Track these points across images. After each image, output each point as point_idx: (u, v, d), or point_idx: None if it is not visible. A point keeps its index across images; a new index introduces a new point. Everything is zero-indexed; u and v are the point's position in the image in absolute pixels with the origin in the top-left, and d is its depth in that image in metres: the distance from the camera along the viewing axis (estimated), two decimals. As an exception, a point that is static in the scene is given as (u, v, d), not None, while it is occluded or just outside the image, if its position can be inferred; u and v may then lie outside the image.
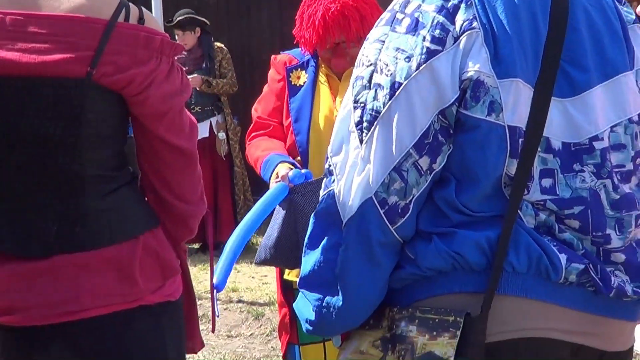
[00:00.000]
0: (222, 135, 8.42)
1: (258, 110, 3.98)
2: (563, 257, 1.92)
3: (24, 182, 2.17)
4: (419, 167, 1.91)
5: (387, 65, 1.92)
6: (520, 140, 1.91)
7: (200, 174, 2.42)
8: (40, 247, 2.17)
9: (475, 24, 1.90)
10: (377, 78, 1.93)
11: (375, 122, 1.91)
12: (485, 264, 1.91)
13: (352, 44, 3.71)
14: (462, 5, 1.91)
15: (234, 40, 9.82)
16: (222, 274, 3.21)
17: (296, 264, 3.61)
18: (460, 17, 1.90)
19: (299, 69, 3.86)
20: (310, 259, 2.02)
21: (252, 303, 7.15)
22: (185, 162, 2.33)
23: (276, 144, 3.83)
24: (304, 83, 3.83)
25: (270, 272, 7.80)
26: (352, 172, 1.94)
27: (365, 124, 1.93)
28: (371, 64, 1.95)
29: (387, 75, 1.91)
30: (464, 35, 1.89)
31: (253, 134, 3.94)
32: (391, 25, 1.96)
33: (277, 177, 3.60)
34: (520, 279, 1.92)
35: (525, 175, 1.91)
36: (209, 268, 2.77)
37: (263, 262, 3.74)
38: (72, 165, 2.16)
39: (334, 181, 1.99)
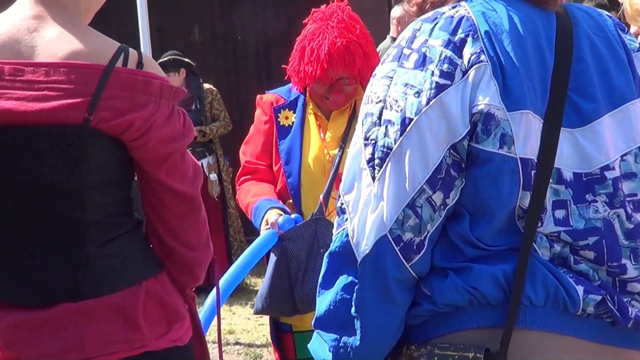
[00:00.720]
0: (213, 176, 8.39)
1: (246, 153, 3.96)
2: (580, 289, 1.90)
3: (25, 231, 2.16)
4: (433, 202, 1.90)
5: (396, 101, 1.91)
6: (533, 172, 1.90)
7: (206, 219, 2.39)
8: (44, 295, 2.16)
9: (483, 57, 1.89)
10: (387, 114, 1.92)
11: (387, 159, 1.90)
12: (502, 297, 1.90)
13: (353, 80, 3.72)
14: (469, 39, 1.91)
15: (221, 80, 9.82)
16: (223, 291, 3.21)
17: (292, 311, 3.61)
18: (468, 51, 1.90)
19: (287, 109, 3.86)
20: (325, 299, 2.00)
21: (250, 345, 7.10)
22: (189, 208, 2.31)
23: (265, 188, 3.82)
24: (293, 123, 3.83)
25: (266, 313, 7.78)
26: (366, 210, 1.93)
27: (377, 161, 1.92)
28: (380, 101, 1.94)
29: (397, 111, 1.90)
30: (472, 68, 1.89)
31: (242, 178, 3.92)
32: (399, 61, 1.96)
33: (267, 224, 3.59)
34: (538, 312, 1.90)
35: (539, 207, 1.91)
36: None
37: (260, 312, 3.76)
38: (73, 212, 2.15)
39: (346, 219, 1.97)
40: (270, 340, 6.85)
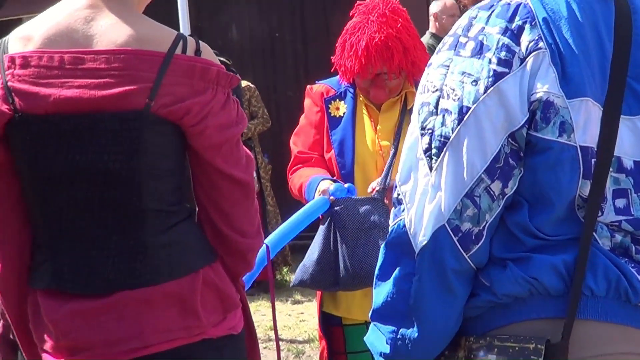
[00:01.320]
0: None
1: (298, 144, 3.94)
2: None
3: (83, 219, 2.17)
4: (491, 192, 1.87)
5: (453, 90, 1.89)
6: (593, 160, 1.87)
7: (257, 207, 2.40)
8: (102, 283, 2.17)
9: (541, 44, 1.87)
10: (444, 103, 1.90)
11: (445, 148, 1.88)
12: (563, 288, 1.87)
13: (392, 76, 3.69)
14: (527, 26, 1.88)
15: (259, 78, 9.83)
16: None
17: (332, 284, 3.58)
18: (526, 38, 1.87)
19: (337, 100, 3.83)
20: (382, 291, 1.98)
21: (292, 341, 7.10)
22: (243, 194, 2.32)
23: (319, 170, 3.80)
24: (344, 114, 3.80)
25: (307, 309, 7.77)
26: (423, 200, 1.90)
27: (434, 151, 1.89)
28: (437, 90, 1.92)
29: (454, 100, 1.88)
30: (530, 56, 1.86)
31: (294, 168, 3.90)
32: (455, 50, 1.93)
33: (320, 193, 3.58)
34: (600, 303, 1.87)
35: (599, 196, 1.88)
36: (270, 305, 2.75)
37: (300, 284, 3.71)
38: (131, 199, 2.16)
39: (403, 210, 1.95)
40: (311, 336, 6.92)
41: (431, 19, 8.05)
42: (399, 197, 1.97)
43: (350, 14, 3.84)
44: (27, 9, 11.92)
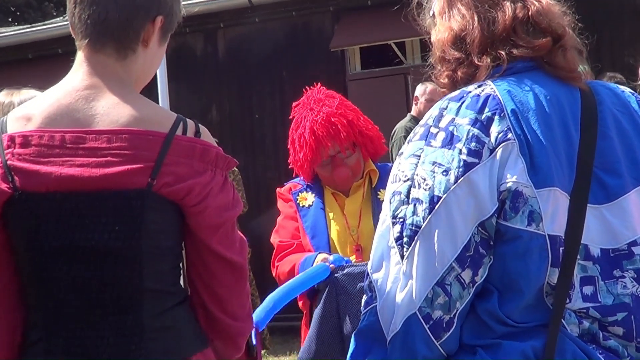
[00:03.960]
0: (232, 255, 8.35)
1: (277, 236, 3.98)
2: None
3: (80, 298, 2.15)
4: (462, 280, 1.90)
5: (424, 179, 1.93)
6: (561, 248, 1.91)
7: (249, 291, 2.40)
8: None
9: (510, 135, 1.91)
10: (415, 193, 1.94)
11: (416, 237, 1.91)
12: None
13: (347, 152, 3.82)
14: (496, 117, 1.94)
15: (239, 159, 9.85)
16: (262, 314, 3.18)
17: (340, 352, 3.54)
18: (495, 129, 1.92)
19: (305, 192, 3.95)
20: (354, 378, 2.00)
21: None
22: (237, 278, 2.31)
23: (306, 254, 3.81)
24: (313, 202, 3.91)
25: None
26: (395, 288, 1.93)
27: (405, 239, 1.93)
28: (408, 179, 1.96)
29: (425, 190, 1.92)
30: (499, 146, 1.91)
31: (279, 256, 3.91)
32: (426, 140, 1.98)
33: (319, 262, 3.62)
34: None
35: (567, 283, 1.91)
36: None
37: None
38: (131, 279, 2.15)
39: (375, 298, 1.97)
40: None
41: (414, 101, 8.16)
42: (371, 284, 1.99)
43: (290, 118, 3.98)
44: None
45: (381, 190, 3.81)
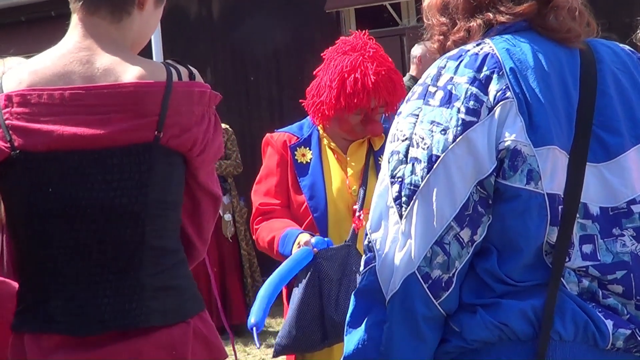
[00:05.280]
0: (228, 216, 8.37)
1: (259, 193, 3.90)
2: (609, 323, 1.90)
3: (80, 258, 2.14)
4: (461, 239, 1.90)
5: (422, 138, 1.92)
6: (560, 207, 1.90)
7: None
8: (95, 325, 2.14)
9: (508, 93, 1.90)
10: (413, 152, 1.93)
11: (415, 196, 1.91)
12: (532, 333, 1.89)
13: (380, 110, 3.76)
14: (494, 76, 1.92)
15: (234, 122, 9.86)
16: (260, 313, 3.20)
17: (321, 340, 3.53)
18: (493, 88, 1.91)
19: (302, 146, 3.84)
20: (353, 338, 2.00)
21: (268, 387, 7.05)
22: (215, 207, 2.38)
23: (287, 222, 3.78)
24: (311, 159, 3.81)
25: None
26: (393, 248, 1.93)
27: (404, 199, 1.92)
28: (406, 138, 1.95)
29: (423, 149, 1.91)
30: (498, 105, 1.90)
31: (257, 219, 3.86)
32: (424, 99, 1.97)
33: (299, 246, 3.57)
34: (568, 347, 1.90)
35: (566, 242, 1.91)
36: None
37: (282, 352, 3.64)
38: (133, 236, 2.15)
39: (374, 257, 1.97)
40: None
41: (414, 61, 8.10)
42: (370, 244, 1.99)
43: (324, 55, 3.86)
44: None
45: (381, 156, 3.66)
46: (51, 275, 2.16)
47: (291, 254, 3.59)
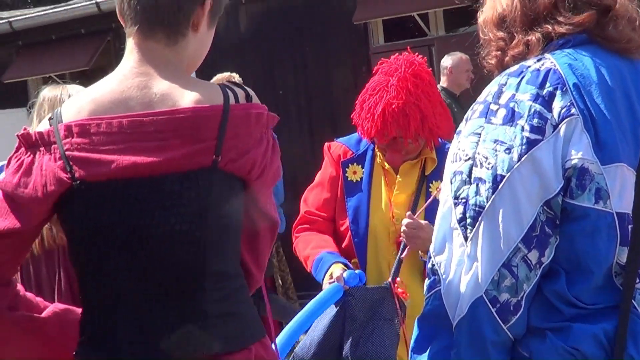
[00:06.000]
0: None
1: (307, 202, 3.89)
2: None
3: (143, 286, 2.11)
4: (529, 261, 1.85)
5: (486, 158, 1.87)
6: (630, 226, 1.85)
7: None
8: (160, 353, 2.10)
9: (573, 110, 1.85)
10: (477, 172, 1.88)
11: (480, 218, 1.86)
12: (604, 357, 1.84)
13: (409, 141, 3.64)
14: (558, 92, 1.87)
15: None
16: (285, 341, 3.20)
17: None
18: (558, 104, 1.86)
19: (355, 163, 3.78)
20: (419, 364, 1.95)
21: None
22: (273, 233, 2.35)
23: (327, 240, 3.75)
24: (361, 178, 3.75)
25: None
26: (459, 271, 1.88)
27: (468, 220, 1.87)
28: (469, 158, 1.90)
29: (487, 169, 1.86)
30: (563, 122, 1.85)
31: (299, 227, 3.86)
32: (486, 117, 1.92)
33: (331, 277, 3.53)
34: None
35: (637, 263, 1.86)
36: None
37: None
38: (195, 262, 2.11)
39: (438, 281, 1.92)
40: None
41: (444, 72, 8.06)
42: (434, 267, 1.94)
43: (373, 71, 3.80)
44: (31, 72, 12.03)
45: (434, 181, 3.66)
46: (115, 305, 2.13)
47: (322, 281, 3.57)
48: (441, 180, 3.54)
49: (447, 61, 8.04)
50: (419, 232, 3.51)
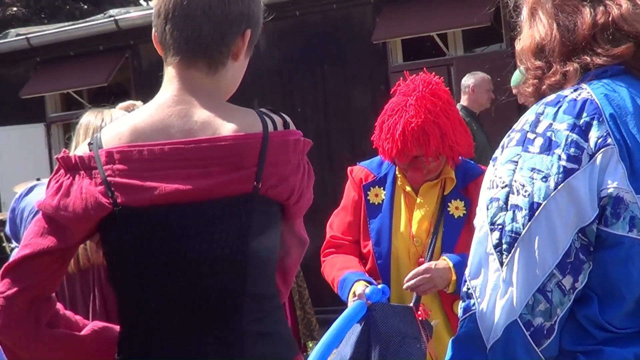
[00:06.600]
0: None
1: (333, 226, 3.96)
2: None
3: (184, 309, 2.15)
4: (563, 286, 1.89)
5: (523, 185, 1.92)
6: None
7: None
8: None
9: (609, 140, 1.90)
10: (513, 199, 1.93)
11: (516, 244, 1.90)
12: None
13: (430, 159, 3.69)
14: (595, 122, 1.92)
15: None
16: None
17: None
18: (594, 134, 1.91)
19: (377, 186, 3.84)
20: (453, 386, 1.99)
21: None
22: (301, 252, 2.41)
23: (351, 261, 3.80)
24: (382, 201, 3.80)
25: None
26: (494, 295, 1.92)
27: (504, 246, 1.92)
28: (506, 185, 1.95)
29: (524, 196, 1.91)
30: (599, 152, 1.89)
31: (326, 251, 3.92)
32: (523, 145, 1.96)
33: (355, 295, 3.57)
34: None
35: None
36: None
37: None
38: (235, 285, 2.16)
39: (474, 304, 1.96)
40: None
41: (466, 91, 8.11)
42: (469, 291, 1.98)
43: (391, 92, 3.86)
44: (48, 88, 12.11)
45: (453, 201, 3.72)
46: (154, 326, 2.17)
47: (347, 300, 3.62)
48: (459, 200, 3.64)
49: (469, 80, 8.10)
50: (431, 281, 3.57)
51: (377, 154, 3.88)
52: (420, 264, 3.67)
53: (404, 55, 10.41)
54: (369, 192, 3.84)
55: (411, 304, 3.60)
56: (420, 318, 3.56)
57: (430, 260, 3.65)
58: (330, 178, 9.45)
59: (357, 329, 3.58)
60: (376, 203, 3.82)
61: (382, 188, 3.84)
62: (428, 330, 3.56)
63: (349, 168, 3.99)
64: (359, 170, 3.93)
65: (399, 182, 3.84)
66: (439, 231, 3.67)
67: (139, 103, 7.87)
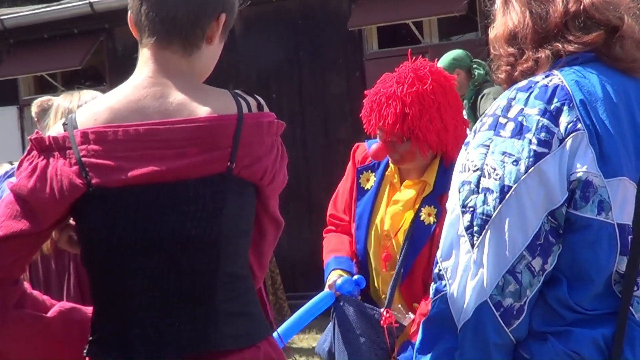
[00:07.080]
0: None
1: (332, 204, 3.98)
2: None
3: (157, 288, 2.17)
4: (532, 268, 1.93)
5: (494, 169, 1.95)
6: (629, 237, 1.93)
7: None
8: (173, 350, 2.17)
9: (579, 125, 1.94)
10: (485, 182, 1.96)
11: (487, 226, 1.94)
12: None
13: (392, 138, 3.57)
14: (565, 108, 1.96)
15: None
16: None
17: None
18: (564, 119, 1.95)
19: (369, 170, 3.81)
20: (423, 365, 2.03)
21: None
22: (276, 234, 2.40)
23: (343, 243, 3.82)
24: (371, 187, 3.77)
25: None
26: (465, 276, 1.96)
27: (475, 228, 1.95)
28: (478, 169, 1.98)
29: (495, 179, 1.94)
30: (569, 137, 1.93)
31: (327, 228, 3.96)
32: (495, 130, 2.00)
33: (327, 286, 3.64)
34: None
35: (635, 271, 1.94)
36: None
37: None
38: (209, 264, 2.17)
39: (445, 286, 2.00)
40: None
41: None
42: (440, 272, 2.02)
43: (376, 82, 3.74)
44: (22, 70, 12.04)
45: (427, 206, 3.60)
46: (129, 306, 2.18)
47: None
48: (433, 206, 3.58)
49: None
50: None
51: (352, 140, 3.86)
52: (384, 259, 3.68)
53: (379, 42, 10.42)
54: (361, 176, 3.81)
55: (382, 310, 3.61)
56: (385, 325, 3.57)
57: (401, 261, 3.62)
58: (303, 164, 9.48)
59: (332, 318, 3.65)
60: (365, 188, 3.79)
61: (374, 173, 3.80)
62: (394, 334, 3.56)
63: (356, 145, 3.91)
64: (361, 150, 3.86)
65: (387, 172, 3.79)
66: (409, 235, 3.62)
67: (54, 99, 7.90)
